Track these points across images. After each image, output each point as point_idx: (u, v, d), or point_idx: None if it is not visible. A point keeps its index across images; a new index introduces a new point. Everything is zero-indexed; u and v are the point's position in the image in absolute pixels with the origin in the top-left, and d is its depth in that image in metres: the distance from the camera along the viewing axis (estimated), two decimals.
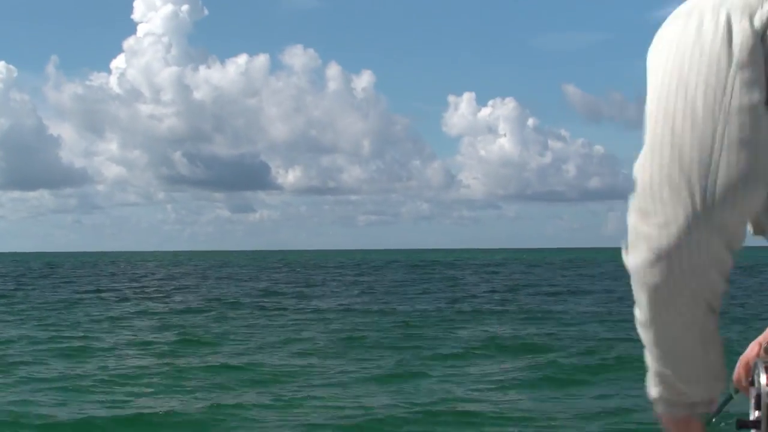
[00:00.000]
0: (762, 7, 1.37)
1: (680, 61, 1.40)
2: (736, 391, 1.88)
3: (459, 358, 16.91)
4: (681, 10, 1.46)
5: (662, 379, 1.56)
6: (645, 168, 1.41)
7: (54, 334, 21.82)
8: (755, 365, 1.69)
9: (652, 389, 1.59)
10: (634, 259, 1.43)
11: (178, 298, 36.80)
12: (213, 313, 28.52)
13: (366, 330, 22.16)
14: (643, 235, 1.41)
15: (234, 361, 16.53)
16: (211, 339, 20.53)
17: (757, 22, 1.37)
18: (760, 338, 1.84)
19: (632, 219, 1.43)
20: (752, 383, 1.70)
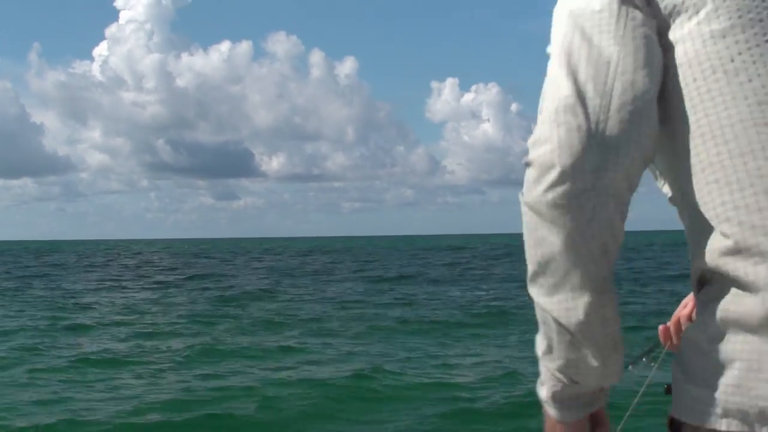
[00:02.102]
0: None
1: (574, 6, 1.44)
2: (657, 345, 1.84)
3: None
4: None
5: (552, 363, 1.47)
6: (543, 98, 1.43)
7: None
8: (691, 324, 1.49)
9: (542, 388, 1.51)
10: (527, 192, 1.40)
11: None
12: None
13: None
14: (538, 164, 1.38)
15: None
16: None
17: None
18: (690, 296, 1.74)
19: (528, 155, 1.41)
20: None
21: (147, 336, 18.54)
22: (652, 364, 1.88)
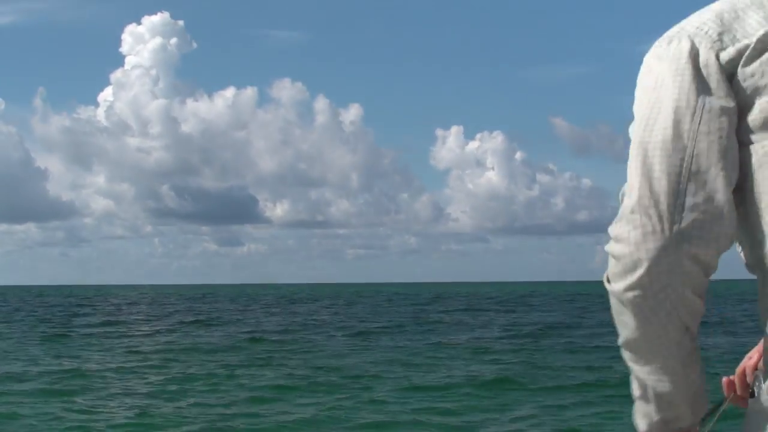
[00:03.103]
0: (731, 46, 1.47)
1: (653, 94, 1.49)
2: (720, 403, 1.87)
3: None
4: (664, 36, 1.55)
5: (646, 408, 1.61)
6: (624, 196, 1.50)
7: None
8: (756, 376, 1.63)
9: (640, 421, 1.64)
10: (611, 284, 1.51)
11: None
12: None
13: None
14: (615, 262, 1.48)
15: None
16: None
17: (724, 58, 1.46)
18: (758, 348, 1.77)
19: (609, 245, 1.50)
20: (752, 395, 1.65)
21: None
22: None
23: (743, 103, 1.46)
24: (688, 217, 1.42)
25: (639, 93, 1.54)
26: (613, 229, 1.49)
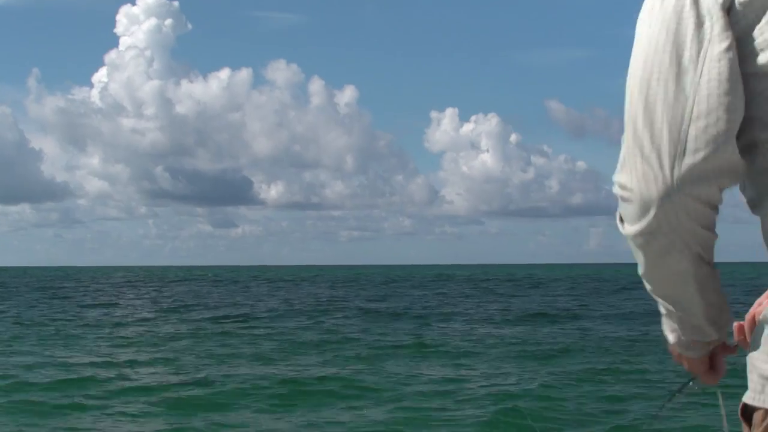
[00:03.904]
0: None
1: (653, 41, 1.51)
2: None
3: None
4: None
5: (672, 325, 1.72)
6: (623, 142, 1.54)
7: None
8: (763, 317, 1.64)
9: (669, 335, 1.75)
10: (623, 226, 1.58)
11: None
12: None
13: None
14: (624, 206, 1.55)
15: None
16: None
17: None
18: (765, 294, 1.79)
19: (616, 190, 1.56)
20: None
21: None
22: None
23: (743, 32, 1.48)
24: (689, 162, 1.46)
25: (639, 36, 1.55)
26: (619, 178, 1.55)
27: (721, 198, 1.53)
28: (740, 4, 1.47)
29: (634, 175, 1.51)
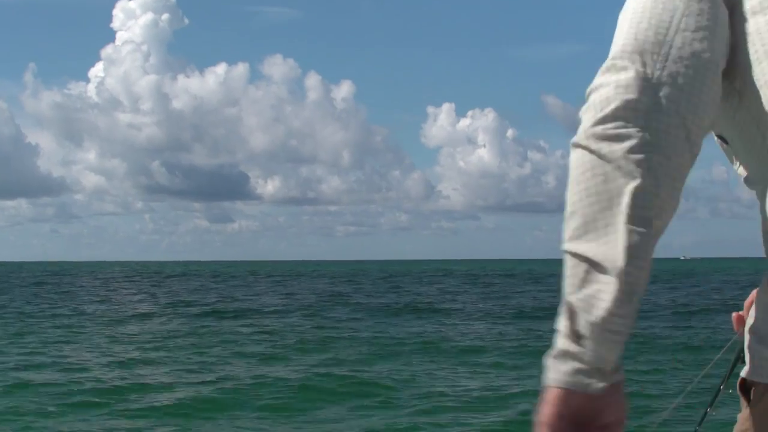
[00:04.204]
0: None
1: None
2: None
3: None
4: None
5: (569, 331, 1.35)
6: (614, 44, 1.47)
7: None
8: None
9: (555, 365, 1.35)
10: (579, 131, 1.43)
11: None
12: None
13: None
14: (592, 104, 1.42)
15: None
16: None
17: None
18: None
19: (588, 98, 1.44)
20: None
21: None
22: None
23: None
24: (670, 67, 1.41)
25: None
26: (595, 80, 1.45)
27: (699, 139, 1.43)
28: None
29: (614, 71, 1.42)
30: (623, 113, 1.37)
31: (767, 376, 1.46)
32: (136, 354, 20.66)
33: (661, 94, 1.39)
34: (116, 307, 39.30)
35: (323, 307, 37.83)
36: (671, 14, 1.43)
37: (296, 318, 31.72)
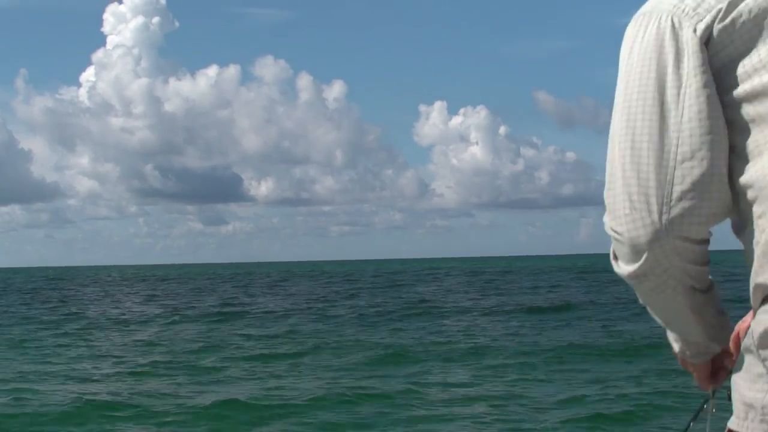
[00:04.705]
0: (708, 14, 1.50)
1: (635, 81, 1.53)
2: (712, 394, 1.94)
3: None
4: (641, 12, 1.58)
5: (674, 336, 1.78)
6: (609, 185, 1.56)
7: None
8: (748, 335, 1.66)
9: (672, 344, 1.82)
10: (617, 264, 1.62)
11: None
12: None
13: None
14: (617, 246, 1.58)
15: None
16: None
17: (700, 27, 1.50)
18: (750, 313, 1.79)
19: (609, 231, 1.58)
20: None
21: None
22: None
23: (722, 63, 1.49)
24: (677, 207, 1.47)
25: (621, 76, 1.56)
26: (608, 220, 1.56)
27: (709, 234, 1.55)
28: (718, 34, 1.48)
29: (623, 220, 1.52)
30: (645, 267, 1.56)
31: (752, 429, 1.51)
32: (143, 360, 20.46)
33: (670, 234, 1.50)
34: (117, 311, 39.09)
35: (328, 309, 37.57)
36: (668, 149, 1.48)
37: (300, 320, 31.48)
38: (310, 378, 16.72)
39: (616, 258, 1.61)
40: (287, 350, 21.89)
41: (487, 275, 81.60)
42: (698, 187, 1.47)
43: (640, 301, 1.67)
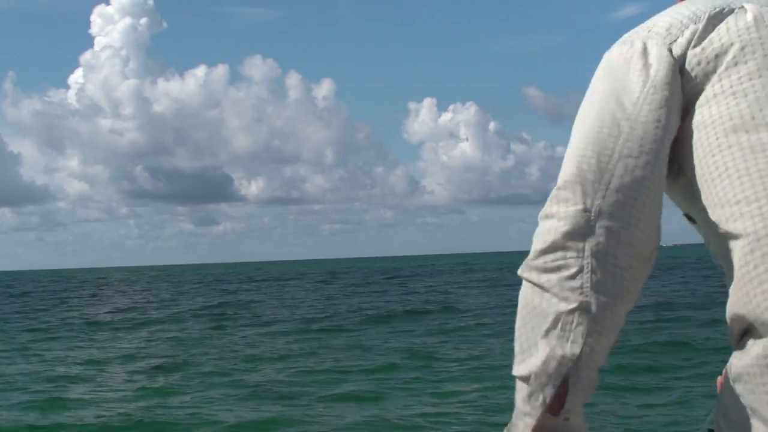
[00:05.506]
0: (680, 37, 1.54)
1: (602, 84, 1.57)
2: None
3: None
4: (619, 41, 1.62)
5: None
6: (562, 172, 1.55)
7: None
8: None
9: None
10: (532, 259, 1.54)
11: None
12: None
13: None
14: (539, 235, 1.52)
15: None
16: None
17: (676, 51, 1.53)
18: None
19: (539, 225, 1.55)
20: None
21: None
22: None
23: (694, 90, 1.52)
24: (610, 197, 1.47)
25: (589, 91, 1.59)
26: (545, 207, 1.54)
27: (654, 237, 1.52)
28: (690, 64, 1.51)
29: (556, 201, 1.52)
30: (562, 245, 1.48)
31: None
32: (148, 363, 20.40)
33: (599, 225, 1.47)
34: (118, 314, 38.96)
35: (328, 309, 37.48)
36: (614, 141, 1.49)
37: (304, 322, 31.40)
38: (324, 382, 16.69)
39: (531, 250, 1.55)
40: (281, 352, 21.88)
41: (486, 272, 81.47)
42: (638, 186, 1.48)
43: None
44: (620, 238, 1.47)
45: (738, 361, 1.48)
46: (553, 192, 1.53)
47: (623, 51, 1.57)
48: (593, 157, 1.49)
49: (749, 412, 1.44)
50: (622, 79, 1.54)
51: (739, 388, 1.47)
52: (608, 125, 1.50)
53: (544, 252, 1.50)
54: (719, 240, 1.52)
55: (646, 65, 1.52)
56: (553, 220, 1.50)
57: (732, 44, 1.50)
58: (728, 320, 1.50)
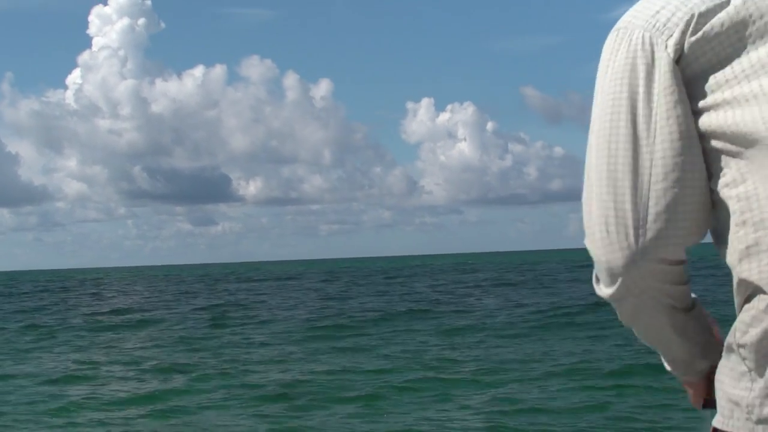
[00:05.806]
0: (676, 29, 1.48)
1: (609, 102, 1.51)
2: None
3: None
4: (616, 27, 1.56)
5: (664, 359, 1.76)
6: (586, 209, 1.56)
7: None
8: None
9: (665, 363, 1.79)
10: (598, 287, 1.61)
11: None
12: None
13: None
14: (597, 269, 1.57)
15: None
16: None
17: (671, 44, 1.48)
18: None
19: (590, 253, 1.58)
20: None
21: None
22: None
23: (691, 75, 1.48)
24: (652, 229, 1.47)
25: (596, 100, 1.56)
26: (588, 243, 1.56)
27: (685, 255, 1.55)
28: (689, 48, 1.47)
29: (600, 244, 1.52)
30: (622, 290, 1.55)
31: (739, 425, 1.51)
32: (148, 364, 20.35)
33: (645, 258, 1.49)
34: (118, 314, 38.90)
35: (329, 310, 37.38)
36: (643, 170, 1.47)
37: (304, 322, 31.34)
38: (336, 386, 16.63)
39: (597, 280, 1.61)
40: (284, 352, 21.78)
41: (488, 272, 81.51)
42: (672, 209, 1.47)
43: (623, 322, 1.68)
44: (670, 259, 1.53)
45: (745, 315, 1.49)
46: (595, 232, 1.53)
47: (624, 51, 1.51)
48: (627, 193, 1.48)
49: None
50: (630, 92, 1.49)
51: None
52: (631, 154, 1.48)
53: (611, 293, 1.59)
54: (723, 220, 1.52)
55: (649, 71, 1.48)
56: (602, 262, 1.55)
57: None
58: (734, 286, 1.51)
